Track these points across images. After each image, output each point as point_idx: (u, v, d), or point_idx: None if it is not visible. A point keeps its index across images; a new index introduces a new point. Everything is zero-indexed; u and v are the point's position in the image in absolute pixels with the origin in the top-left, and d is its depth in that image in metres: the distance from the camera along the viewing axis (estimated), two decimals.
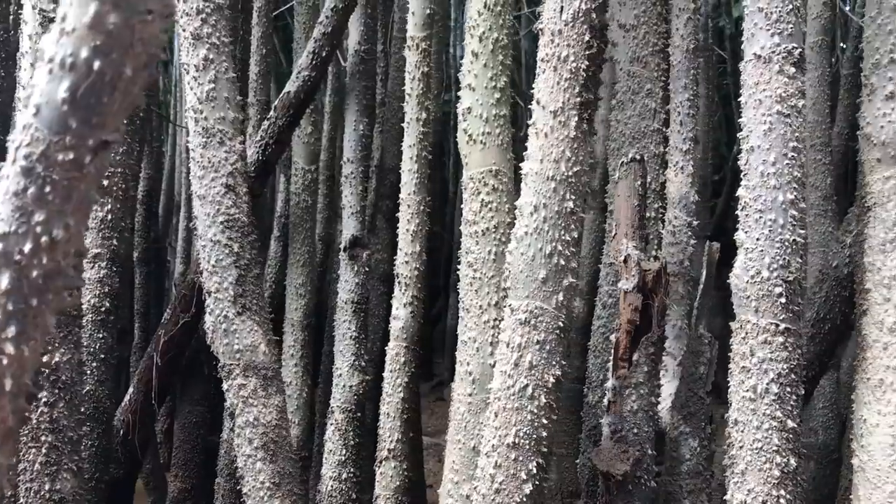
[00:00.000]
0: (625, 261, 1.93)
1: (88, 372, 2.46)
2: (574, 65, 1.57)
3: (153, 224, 5.59)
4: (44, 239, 0.70)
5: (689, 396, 1.94)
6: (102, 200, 2.25)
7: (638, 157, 2.02)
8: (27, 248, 0.70)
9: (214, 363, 3.37)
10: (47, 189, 0.68)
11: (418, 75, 2.53)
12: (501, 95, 2.02)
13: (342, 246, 2.97)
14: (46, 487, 1.63)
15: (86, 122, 0.67)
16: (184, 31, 2.03)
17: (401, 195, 2.57)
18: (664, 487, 1.94)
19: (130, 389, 3.49)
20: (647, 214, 2.31)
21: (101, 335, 2.47)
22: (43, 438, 1.66)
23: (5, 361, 0.71)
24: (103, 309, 2.48)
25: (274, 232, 4.09)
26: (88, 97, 0.66)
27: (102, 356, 2.52)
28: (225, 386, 2.02)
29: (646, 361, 1.87)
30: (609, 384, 1.90)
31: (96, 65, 0.65)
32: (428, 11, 2.54)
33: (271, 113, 3.01)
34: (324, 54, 2.91)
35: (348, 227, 3.01)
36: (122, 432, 3.40)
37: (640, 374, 1.86)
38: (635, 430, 1.85)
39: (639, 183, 2.01)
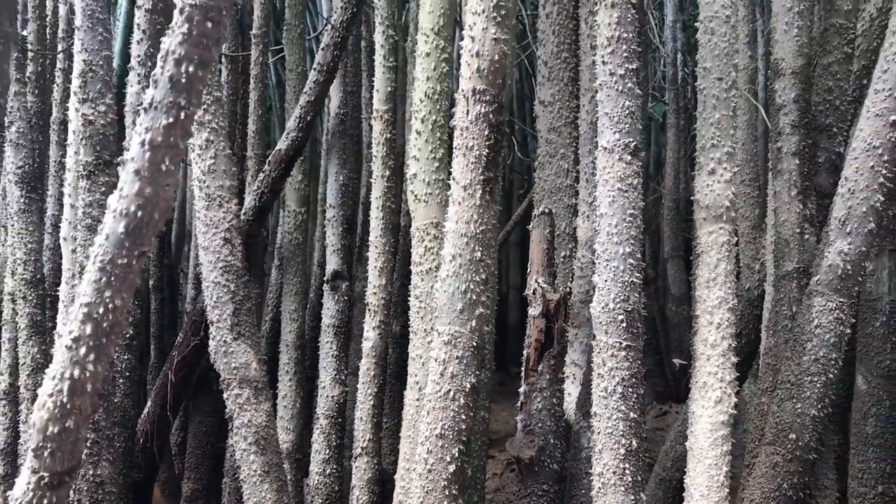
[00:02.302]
0: (534, 292, 2.48)
1: (116, 386, 3.01)
2: (477, 152, 2.13)
3: (167, 252, 6.15)
4: (110, 305, 1.26)
5: (587, 398, 2.47)
6: None
7: (547, 210, 2.57)
8: (100, 310, 1.26)
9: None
10: (112, 279, 1.24)
11: (382, 140, 3.10)
12: (440, 164, 2.56)
13: (325, 278, 3.53)
14: (90, 472, 2.17)
15: (133, 243, 1.23)
16: None
17: (370, 238, 3.12)
18: (569, 470, 2.47)
19: (148, 403, 4.03)
20: (563, 253, 2.86)
21: (126, 357, 3.02)
22: (87, 435, 2.20)
23: (89, 375, 1.27)
24: (128, 335, 3.03)
25: (274, 262, 4.66)
26: (135, 230, 1.22)
27: (127, 374, 3.06)
28: (225, 395, 2.56)
29: (548, 371, 2.41)
30: (521, 389, 2.44)
31: (139, 214, 1.21)
32: (389, 88, 3.11)
33: (266, 167, 3.58)
34: (308, 118, 3.48)
35: (331, 263, 3.57)
36: (141, 441, 3.95)
37: (544, 381, 2.40)
38: (540, 425, 2.38)
39: (547, 231, 2.56)
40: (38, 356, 3.03)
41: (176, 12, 1.13)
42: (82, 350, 1.26)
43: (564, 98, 2.80)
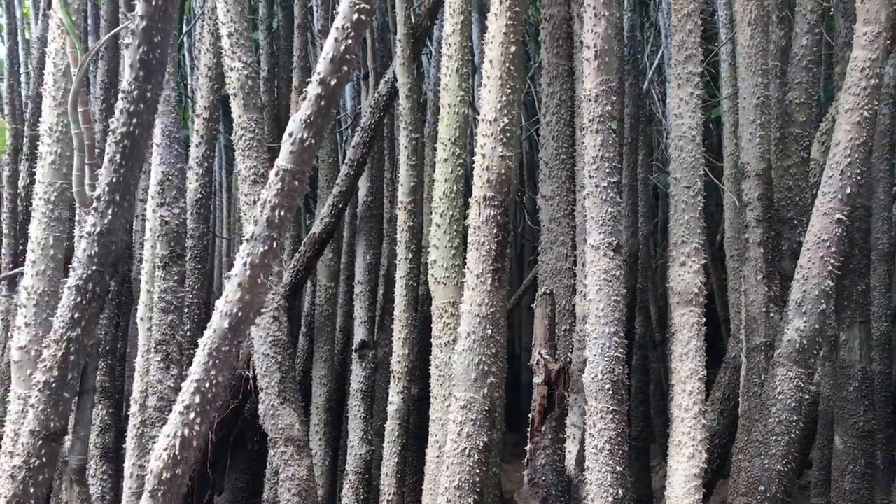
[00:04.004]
0: (537, 363, 2.89)
1: None
2: (488, 247, 2.57)
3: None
4: (214, 381, 1.69)
5: (583, 455, 2.85)
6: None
7: (549, 291, 3.00)
8: (206, 385, 1.69)
9: (256, 439, 4.34)
10: (216, 361, 1.67)
11: (405, 227, 3.56)
12: (456, 252, 3.00)
13: (354, 347, 3.95)
14: None
15: (234, 335, 1.66)
16: (244, 211, 3.07)
17: (395, 312, 3.55)
18: None
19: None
20: (564, 328, 3.27)
21: None
22: None
23: (195, 433, 1.70)
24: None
25: (302, 329, 5.08)
26: (235, 326, 1.65)
27: None
28: (271, 452, 2.96)
29: (551, 431, 2.80)
30: (527, 447, 2.83)
31: (239, 314, 1.65)
32: (412, 183, 3.58)
33: (301, 247, 4.04)
34: (340, 206, 3.95)
35: (358, 333, 4.00)
36: (184, 494, 4.32)
37: (547, 440, 2.79)
38: (543, 479, 2.77)
39: (549, 309, 2.98)
40: (107, 418, 3.45)
41: (272, 172, 1.59)
42: (191, 415, 1.69)
43: (563, 193, 3.25)
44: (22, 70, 5.02)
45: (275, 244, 1.59)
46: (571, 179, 3.26)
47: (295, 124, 1.55)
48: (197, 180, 3.41)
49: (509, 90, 2.61)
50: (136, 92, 1.68)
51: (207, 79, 3.39)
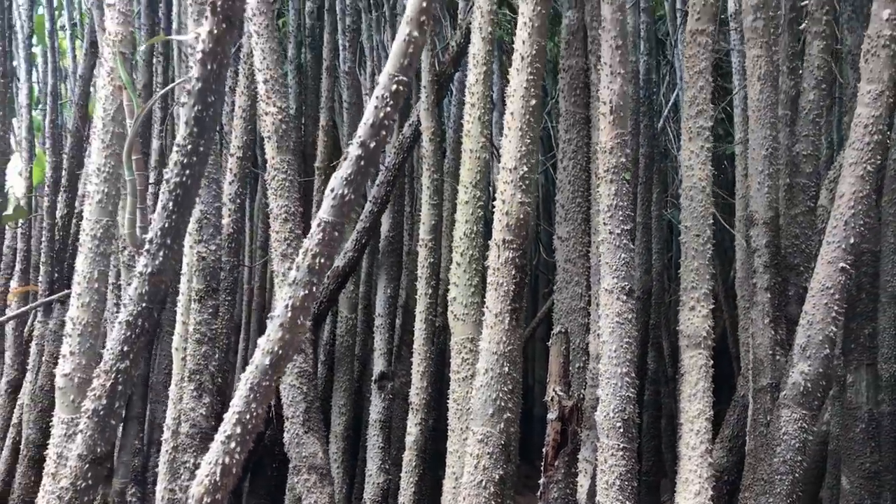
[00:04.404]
0: (552, 399, 3.01)
1: None
2: (506, 288, 2.71)
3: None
4: (254, 413, 1.83)
5: (594, 490, 2.96)
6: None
7: (563, 329, 3.13)
8: (247, 416, 1.83)
9: (275, 465, 4.46)
10: (257, 395, 1.82)
11: (426, 264, 3.71)
12: (475, 290, 3.14)
13: (373, 378, 4.09)
14: None
15: (274, 371, 1.81)
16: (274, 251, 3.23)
17: (414, 346, 3.68)
18: None
19: None
20: (578, 365, 3.39)
21: None
22: None
23: (235, 461, 1.84)
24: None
25: (321, 357, 5.21)
26: (276, 363, 1.80)
27: None
28: (294, 479, 3.09)
29: (563, 466, 2.92)
30: (541, 481, 2.94)
31: (279, 352, 1.79)
32: (433, 222, 3.73)
33: (325, 280, 4.19)
34: (363, 241, 4.11)
35: (378, 365, 4.14)
36: None
37: (560, 475, 2.91)
38: None
39: (563, 347, 3.12)
40: (136, 442, 3.59)
41: (314, 224, 1.75)
42: (232, 444, 1.83)
43: (578, 235, 3.39)
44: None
45: (314, 289, 1.74)
46: (587, 222, 3.40)
47: (337, 181, 1.71)
48: (229, 216, 3.58)
49: (529, 140, 2.76)
50: (189, 146, 1.84)
51: (242, 120, 3.57)
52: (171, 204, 1.90)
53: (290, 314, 1.75)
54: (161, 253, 1.92)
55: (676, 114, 7.30)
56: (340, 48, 4.79)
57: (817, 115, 3.27)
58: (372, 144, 1.68)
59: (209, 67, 1.79)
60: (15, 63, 5.16)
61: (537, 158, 2.82)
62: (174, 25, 4.56)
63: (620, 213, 2.59)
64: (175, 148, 1.88)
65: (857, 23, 4.12)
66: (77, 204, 4.49)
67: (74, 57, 5.97)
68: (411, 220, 4.70)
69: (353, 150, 1.69)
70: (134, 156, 2.27)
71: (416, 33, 1.62)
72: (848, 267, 2.77)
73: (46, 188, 4.54)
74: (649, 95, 5.86)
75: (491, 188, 4.72)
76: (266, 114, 3.21)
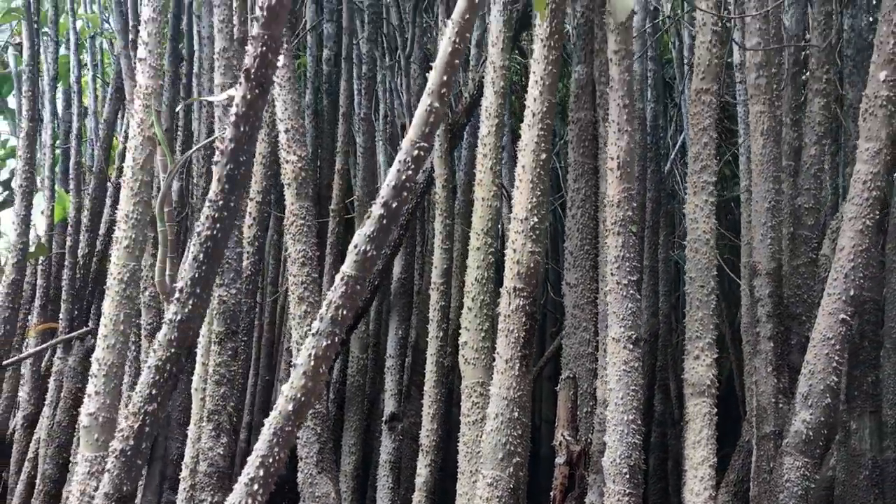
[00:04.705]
0: (560, 444, 3.08)
1: None
2: (516, 335, 2.80)
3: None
4: (276, 457, 1.92)
5: None
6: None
7: (571, 375, 3.22)
8: (269, 460, 1.92)
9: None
10: (280, 440, 1.91)
11: (438, 307, 3.80)
12: (486, 335, 3.22)
13: (383, 419, 4.16)
14: None
15: (297, 417, 1.90)
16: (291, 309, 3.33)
17: (425, 387, 3.77)
18: None
19: None
20: (585, 409, 3.47)
21: None
22: None
23: (257, 502, 1.92)
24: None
25: (330, 396, 5.29)
26: (298, 409, 1.89)
27: None
28: None
29: None
30: None
31: (302, 399, 1.88)
32: (445, 266, 3.83)
33: None
34: (376, 283, 4.21)
35: (388, 405, 4.21)
36: None
37: None
38: None
39: (571, 392, 3.20)
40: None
41: (337, 278, 1.85)
42: (255, 486, 1.92)
43: (586, 282, 3.48)
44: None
45: (336, 339, 1.84)
46: (594, 269, 3.50)
47: (360, 237, 1.82)
48: (248, 258, 3.69)
49: (539, 192, 2.87)
50: (220, 202, 1.96)
51: (262, 166, 3.70)
52: (201, 255, 2.00)
53: (312, 363, 1.85)
54: (191, 302, 2.03)
55: (684, 156, 7.41)
56: (356, 94, 4.94)
57: (818, 169, 3.37)
58: (394, 205, 1.79)
59: (242, 129, 1.91)
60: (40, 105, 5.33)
61: (547, 209, 2.93)
62: (194, 66, 4.73)
63: (627, 264, 2.69)
64: (207, 203, 1.99)
65: (858, 77, 4.24)
66: (98, 243, 4.61)
67: (96, 97, 6.15)
68: (422, 262, 4.80)
69: (375, 210, 1.80)
70: (166, 208, 2.39)
71: (436, 104, 1.74)
72: (848, 318, 2.85)
73: (69, 227, 4.67)
74: (656, 141, 5.99)
75: (501, 234, 4.83)
76: (286, 162, 3.34)
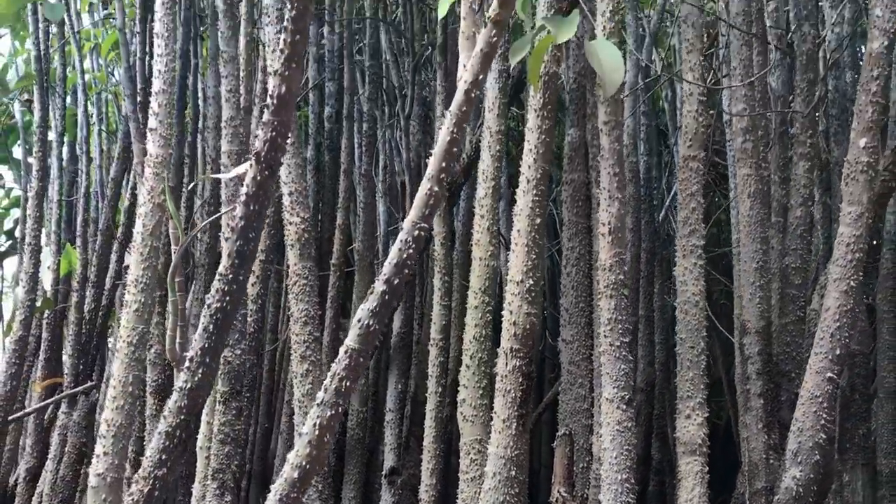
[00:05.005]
0: (556, 500, 3.15)
1: None
2: (513, 394, 2.88)
3: None
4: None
5: None
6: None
7: (567, 432, 3.29)
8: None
9: None
10: (290, 501, 1.98)
11: (437, 363, 3.89)
12: (484, 392, 3.30)
13: (384, 473, 4.22)
14: None
15: (302, 484, 1.98)
16: (294, 352, 3.42)
17: (424, 443, 3.83)
18: None
19: None
20: (581, 465, 3.53)
21: None
22: None
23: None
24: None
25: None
26: (303, 477, 1.97)
27: None
28: None
29: None
30: None
31: (307, 467, 1.96)
32: (444, 322, 3.93)
33: None
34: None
35: (388, 459, 4.27)
36: None
37: None
38: None
39: (568, 449, 3.27)
40: None
41: (341, 350, 1.94)
42: None
43: (581, 338, 3.58)
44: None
45: (339, 409, 1.93)
46: (590, 325, 3.60)
47: (363, 312, 1.91)
48: (250, 316, 3.78)
49: (535, 255, 2.98)
50: (230, 276, 2.06)
51: (266, 226, 3.81)
52: (211, 326, 2.10)
53: (317, 432, 1.93)
54: (200, 370, 2.12)
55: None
56: (356, 149, 5.08)
57: (805, 230, 3.49)
58: (395, 281, 1.89)
59: (251, 208, 2.02)
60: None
61: (543, 271, 3.04)
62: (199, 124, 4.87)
63: (620, 326, 2.78)
64: (217, 277, 2.09)
65: (843, 136, 4.40)
66: (104, 298, 4.71)
67: (101, 151, 6.29)
68: (421, 314, 4.89)
69: (378, 286, 1.91)
70: (177, 278, 2.49)
71: (436, 188, 1.85)
72: (835, 377, 2.94)
73: (75, 283, 4.77)
74: (649, 192, 6.12)
75: (500, 290, 4.93)
76: (290, 223, 3.45)
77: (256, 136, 2.01)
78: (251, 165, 2.02)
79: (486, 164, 3.36)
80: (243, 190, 2.04)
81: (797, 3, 3.80)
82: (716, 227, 7.04)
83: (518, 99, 6.66)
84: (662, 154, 7.48)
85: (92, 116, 6.49)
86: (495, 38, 1.79)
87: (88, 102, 6.26)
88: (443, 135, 1.85)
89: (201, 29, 5.22)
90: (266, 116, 1.99)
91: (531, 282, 2.97)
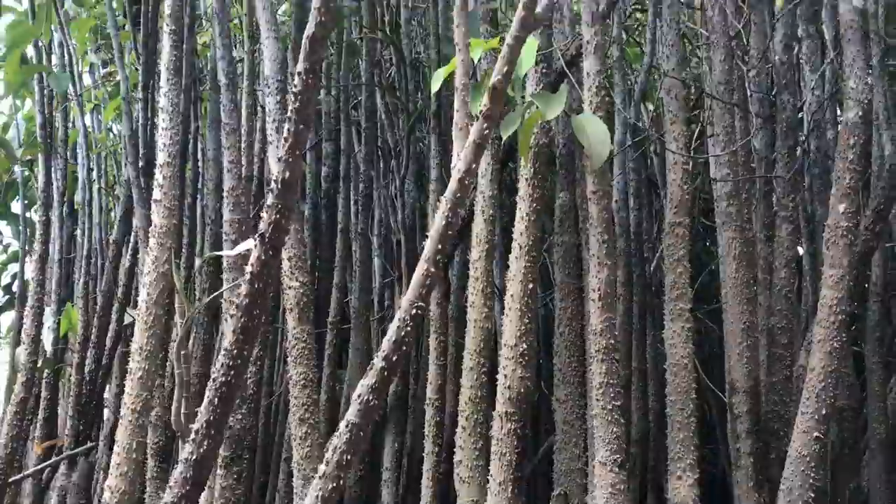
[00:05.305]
0: None
1: None
2: (509, 458, 2.95)
3: None
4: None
5: None
6: None
7: (562, 492, 3.35)
8: None
9: None
10: None
11: (433, 423, 3.95)
12: (480, 453, 3.35)
13: None
14: None
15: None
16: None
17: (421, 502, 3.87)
18: None
19: None
20: None
21: None
22: None
23: None
24: None
25: None
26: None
27: None
28: None
29: None
30: None
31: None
32: (439, 382, 4.00)
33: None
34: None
35: None
36: None
37: None
38: None
39: None
40: None
41: (342, 424, 2.02)
42: None
43: (575, 398, 3.65)
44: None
45: (341, 482, 2.00)
46: (583, 385, 3.67)
47: (363, 388, 2.00)
48: (250, 379, 3.85)
49: (527, 320, 3.08)
50: (234, 352, 2.14)
51: None
52: (216, 400, 2.18)
53: (331, 484, 2.00)
54: (205, 443, 2.19)
55: None
56: (352, 207, 5.19)
57: (789, 291, 3.59)
58: (394, 357, 1.98)
59: (256, 286, 2.12)
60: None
61: (537, 336, 3.13)
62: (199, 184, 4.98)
63: (612, 389, 2.87)
64: (223, 352, 2.18)
65: (825, 194, 4.52)
66: (104, 359, 4.77)
67: (101, 209, 6.39)
68: (416, 369, 4.95)
69: (377, 362, 1.99)
70: (183, 351, 2.58)
71: (432, 269, 1.95)
72: (822, 436, 3.02)
73: (77, 345, 4.83)
74: (640, 246, 6.23)
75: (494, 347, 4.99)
76: (289, 287, 3.54)
77: (261, 218, 2.11)
78: (255, 245, 2.12)
79: (479, 228, 3.46)
80: (248, 268, 2.13)
81: (777, 71, 3.96)
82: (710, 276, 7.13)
83: (513, 158, 6.83)
84: (653, 204, 7.61)
85: (92, 172, 6.63)
86: (487, 132, 1.91)
87: (90, 162, 6.39)
88: (438, 218, 1.96)
89: (200, 89, 5.37)
90: (270, 200, 2.10)
91: (524, 346, 3.05)
